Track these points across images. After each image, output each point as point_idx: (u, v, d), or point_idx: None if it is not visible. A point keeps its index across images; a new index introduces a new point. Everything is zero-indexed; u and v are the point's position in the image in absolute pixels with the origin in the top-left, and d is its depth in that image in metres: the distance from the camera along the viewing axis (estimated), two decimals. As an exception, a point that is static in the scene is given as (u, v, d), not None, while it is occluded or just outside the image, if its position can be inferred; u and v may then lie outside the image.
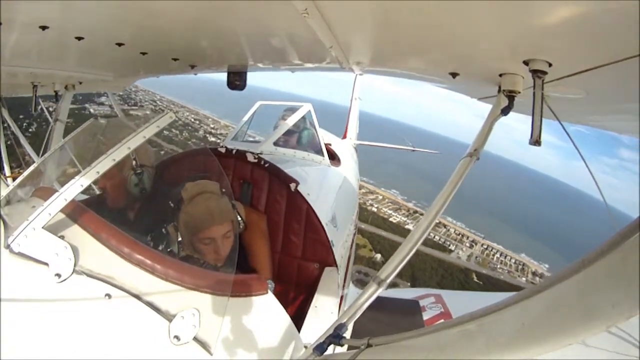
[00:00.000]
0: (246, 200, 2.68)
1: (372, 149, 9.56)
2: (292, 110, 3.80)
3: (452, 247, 52.86)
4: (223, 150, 2.81)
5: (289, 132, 3.70)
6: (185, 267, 1.47)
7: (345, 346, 1.37)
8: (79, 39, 2.01)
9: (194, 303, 1.34)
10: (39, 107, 4.37)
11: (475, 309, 0.93)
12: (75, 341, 1.18)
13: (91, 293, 1.24)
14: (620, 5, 0.85)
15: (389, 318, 3.55)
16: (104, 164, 1.36)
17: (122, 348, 1.22)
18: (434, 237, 50.84)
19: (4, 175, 5.09)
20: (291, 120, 3.63)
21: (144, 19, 1.78)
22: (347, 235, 3.26)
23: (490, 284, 44.93)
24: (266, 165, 2.72)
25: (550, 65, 1.30)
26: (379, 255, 43.00)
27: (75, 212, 1.36)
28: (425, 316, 4.10)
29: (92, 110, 40.19)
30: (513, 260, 52.47)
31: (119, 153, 1.39)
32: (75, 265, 1.25)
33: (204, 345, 1.32)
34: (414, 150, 9.36)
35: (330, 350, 1.36)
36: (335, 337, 1.34)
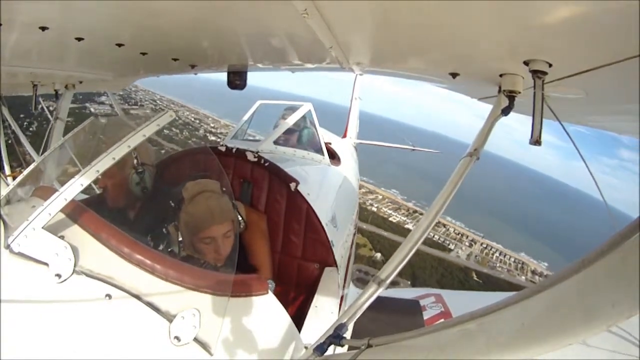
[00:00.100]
0: (246, 199, 2.67)
1: (372, 148, 9.56)
2: (293, 109, 3.80)
3: (452, 246, 52.95)
4: (223, 149, 2.81)
5: (289, 131, 3.70)
6: (186, 267, 1.47)
7: (346, 346, 1.38)
8: (79, 39, 2.01)
9: (194, 303, 1.34)
10: (39, 106, 4.38)
11: (475, 308, 0.93)
12: (76, 341, 1.18)
13: (91, 293, 1.24)
14: (620, 5, 0.85)
15: (389, 318, 3.55)
16: (103, 163, 1.36)
17: (122, 348, 1.22)
18: (434, 236, 50.94)
19: (4, 174, 5.09)
20: (291, 120, 3.62)
21: (144, 19, 1.78)
22: (347, 235, 3.26)
23: (490, 282, 45.07)
24: (266, 164, 2.71)
25: (550, 65, 1.30)
26: (379, 255, 43.13)
27: (75, 212, 1.36)
28: (426, 316, 4.10)
29: (92, 110, 40.18)
30: (512, 259, 52.56)
31: (119, 152, 1.39)
32: (75, 265, 1.25)
33: (204, 345, 1.32)
34: (413, 150, 9.37)
35: (330, 350, 1.36)
36: (335, 337, 1.34)
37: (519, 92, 1.57)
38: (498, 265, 51.27)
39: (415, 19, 1.26)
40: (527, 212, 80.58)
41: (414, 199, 63.21)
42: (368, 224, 49.39)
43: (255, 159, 2.73)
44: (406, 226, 53.96)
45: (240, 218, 2.26)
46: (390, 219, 57.08)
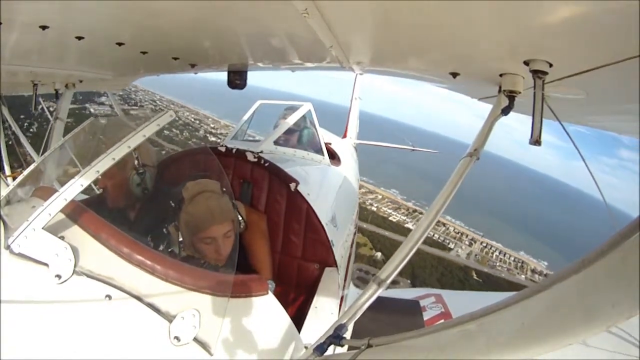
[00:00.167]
0: (246, 199, 2.67)
1: (372, 148, 9.56)
2: (293, 109, 3.79)
3: (452, 245, 53.08)
4: (223, 149, 2.80)
5: (289, 131, 3.69)
6: (186, 267, 1.47)
7: (346, 346, 1.38)
8: (79, 38, 2.01)
9: (194, 304, 1.34)
10: (40, 106, 4.38)
11: (475, 308, 0.93)
12: (76, 342, 1.18)
13: (91, 294, 1.24)
14: (620, 5, 0.85)
15: (389, 318, 3.55)
16: (103, 163, 1.36)
17: (122, 349, 1.22)
18: (434, 235, 51.07)
19: (4, 174, 5.09)
20: (291, 120, 3.62)
21: (144, 19, 1.78)
22: (347, 235, 3.26)
23: (490, 281, 45.17)
24: (266, 164, 2.71)
25: (550, 65, 1.30)
26: (379, 254, 43.30)
27: (75, 212, 1.36)
28: (426, 316, 4.10)
29: (92, 110, 40.19)
30: (512, 258, 52.71)
31: (118, 152, 1.39)
32: (75, 266, 1.25)
33: (204, 345, 1.32)
34: (413, 150, 9.37)
35: (330, 350, 1.36)
36: (335, 337, 1.34)
37: (519, 92, 1.57)
38: (498, 264, 51.43)
39: (416, 18, 1.26)
40: (527, 211, 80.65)
41: (413, 199, 63.34)
42: (368, 224, 49.53)
43: (255, 159, 2.73)
44: (406, 225, 54.14)
45: (240, 218, 2.26)
46: (390, 218, 57.20)
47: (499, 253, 53.57)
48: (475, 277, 46.60)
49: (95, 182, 1.99)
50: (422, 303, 4.38)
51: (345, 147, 5.67)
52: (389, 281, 1.51)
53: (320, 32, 1.51)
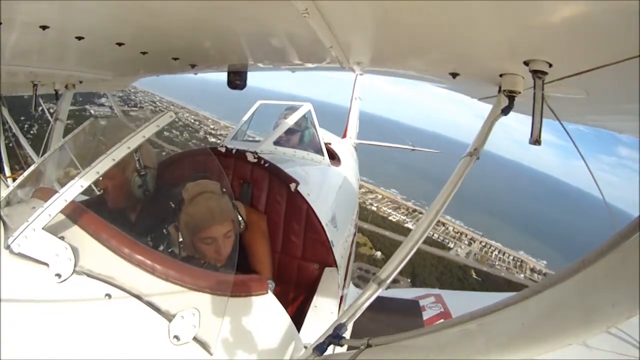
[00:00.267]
0: (246, 200, 2.67)
1: (371, 148, 9.55)
2: (293, 109, 3.79)
3: (451, 245, 53.19)
4: (223, 149, 2.80)
5: (289, 132, 3.69)
6: (185, 267, 1.47)
7: (345, 346, 1.38)
8: (79, 38, 2.01)
9: (194, 303, 1.34)
10: (40, 107, 4.38)
11: (475, 308, 0.93)
12: (76, 341, 1.18)
13: (91, 293, 1.24)
14: (620, 5, 0.85)
15: (389, 318, 3.55)
16: (103, 164, 1.36)
17: (122, 348, 1.22)
18: (433, 234, 51.19)
19: (4, 175, 5.09)
20: (291, 120, 3.61)
21: (144, 19, 1.78)
22: (347, 236, 3.26)
23: (489, 280, 45.32)
24: (266, 165, 2.71)
25: (550, 65, 1.30)
26: (379, 253, 43.49)
27: (75, 212, 1.36)
28: (425, 316, 4.11)
29: (92, 112, 40.18)
30: (511, 257, 52.82)
31: (118, 153, 1.39)
32: (75, 265, 1.25)
33: (203, 345, 1.32)
34: (413, 150, 9.36)
35: (330, 350, 1.36)
36: (335, 337, 1.35)
37: (519, 92, 1.57)
38: (497, 263, 51.52)
39: (416, 18, 1.26)
40: (526, 210, 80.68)
41: (413, 199, 63.41)
42: (368, 223, 49.63)
43: (255, 160, 2.73)
44: (405, 225, 54.28)
45: (240, 218, 2.26)
46: (390, 218, 57.28)
47: (498, 252, 53.70)
48: (474, 275, 46.80)
49: (97, 183, 1.99)
50: (422, 303, 4.38)
51: (345, 147, 5.67)
52: (388, 281, 1.51)
53: (320, 32, 1.51)
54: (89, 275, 1.26)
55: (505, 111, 1.59)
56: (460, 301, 4.78)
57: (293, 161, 3.34)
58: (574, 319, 0.73)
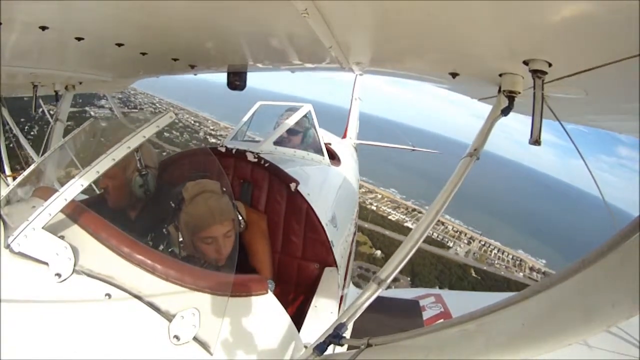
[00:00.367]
0: (246, 199, 2.67)
1: (371, 149, 9.55)
2: (293, 110, 3.80)
3: (451, 244, 53.31)
4: (223, 149, 2.80)
5: (289, 132, 3.69)
6: (186, 267, 1.47)
7: (345, 346, 1.38)
8: (79, 39, 2.01)
9: (194, 303, 1.34)
10: (40, 108, 4.38)
11: (475, 308, 0.93)
12: (76, 341, 1.18)
13: (91, 293, 1.24)
14: (620, 5, 0.85)
15: (389, 318, 3.55)
16: (103, 164, 1.36)
17: (122, 348, 1.22)
18: (433, 234, 51.28)
19: (4, 175, 5.09)
20: (291, 120, 3.62)
21: (144, 19, 1.78)
22: (347, 235, 3.26)
23: (488, 279, 45.47)
24: (266, 164, 2.71)
25: (550, 65, 1.30)
26: (379, 252, 43.62)
27: (75, 212, 1.36)
28: (425, 316, 4.11)
29: (92, 113, 40.15)
30: (510, 256, 52.93)
31: (118, 152, 1.39)
32: (75, 265, 1.25)
33: (203, 345, 1.32)
34: (413, 150, 9.35)
35: (330, 350, 1.36)
36: (335, 337, 1.35)
37: (519, 92, 1.57)
38: (496, 262, 51.62)
39: (415, 18, 1.26)
40: (525, 210, 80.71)
41: (412, 198, 63.49)
42: (368, 223, 49.74)
43: (255, 160, 2.73)
44: (405, 224, 54.44)
45: (240, 218, 2.26)
46: (389, 217, 57.38)
47: (498, 251, 53.81)
48: (473, 274, 46.91)
49: (97, 182, 1.99)
50: (422, 303, 4.38)
51: (345, 147, 5.67)
52: (388, 281, 1.51)
53: (320, 32, 1.51)
54: (88, 275, 1.26)
55: (505, 112, 1.59)
56: (460, 301, 4.79)
57: (293, 161, 3.34)
58: (574, 319, 0.73)
